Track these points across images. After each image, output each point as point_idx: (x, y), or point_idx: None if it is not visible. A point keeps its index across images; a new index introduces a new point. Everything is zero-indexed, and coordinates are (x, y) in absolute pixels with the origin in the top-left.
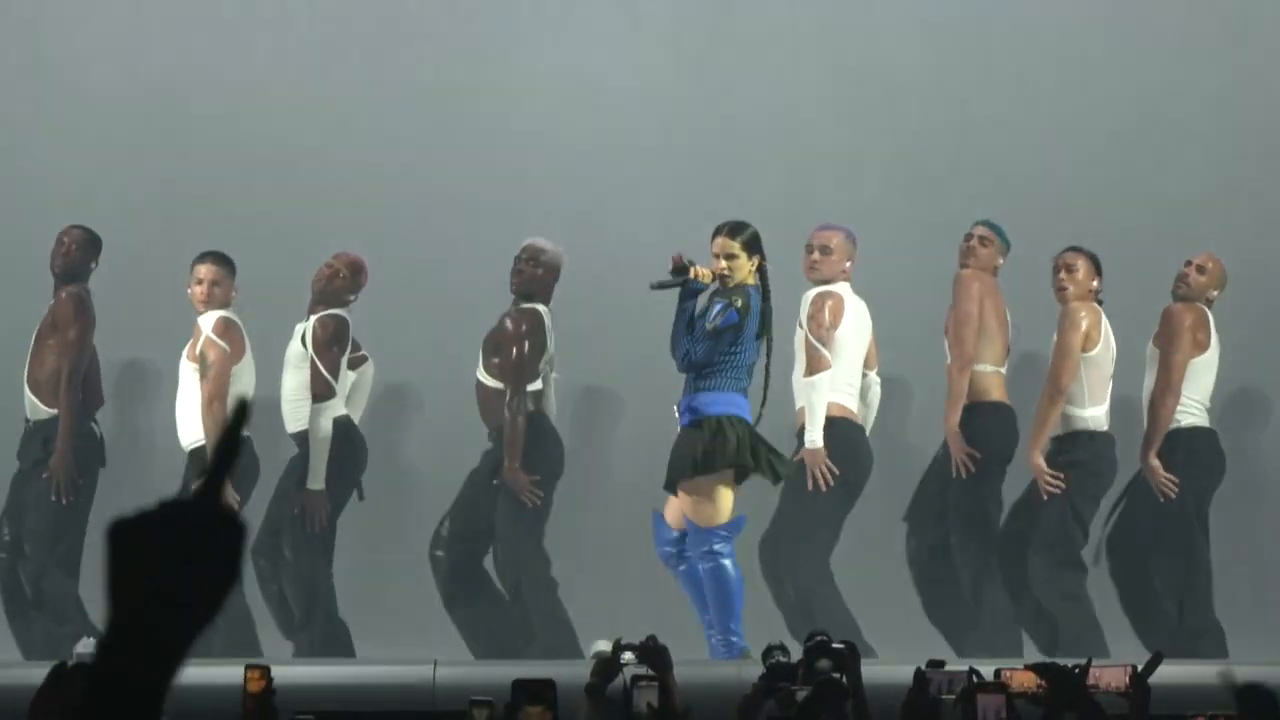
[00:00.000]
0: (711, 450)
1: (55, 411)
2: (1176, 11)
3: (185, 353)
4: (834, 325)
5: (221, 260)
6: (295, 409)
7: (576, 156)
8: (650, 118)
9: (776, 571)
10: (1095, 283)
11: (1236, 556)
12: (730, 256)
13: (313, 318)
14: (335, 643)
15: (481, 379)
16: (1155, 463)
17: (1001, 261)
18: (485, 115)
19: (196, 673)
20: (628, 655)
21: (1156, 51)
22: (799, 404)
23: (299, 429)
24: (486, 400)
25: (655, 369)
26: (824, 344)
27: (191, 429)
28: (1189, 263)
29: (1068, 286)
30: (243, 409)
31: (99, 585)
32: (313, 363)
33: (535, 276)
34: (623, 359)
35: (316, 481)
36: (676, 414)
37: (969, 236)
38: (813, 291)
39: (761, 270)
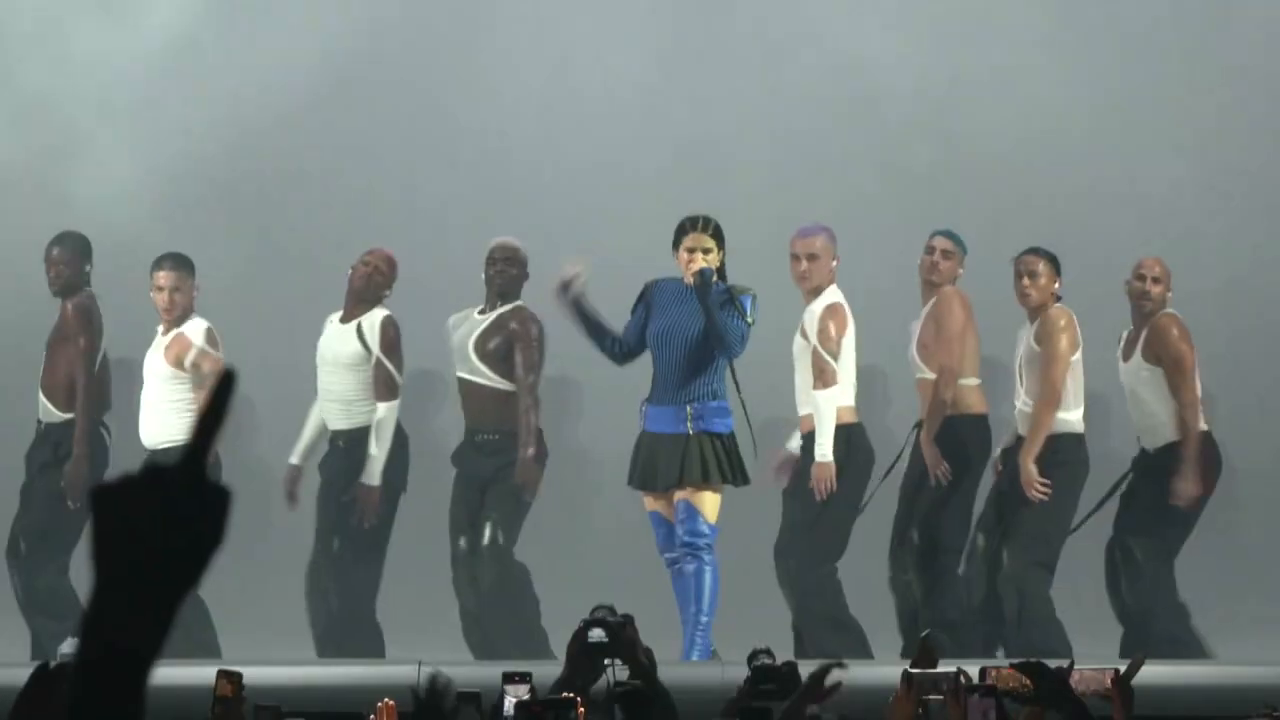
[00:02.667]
0: (732, 465)
1: (69, 415)
2: (1154, 11)
3: (161, 356)
4: (840, 336)
5: (181, 263)
6: (351, 407)
7: (559, 159)
8: (629, 121)
9: (792, 578)
10: (1056, 285)
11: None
12: (706, 250)
13: (377, 317)
14: (370, 646)
15: (483, 381)
16: (1193, 474)
17: (961, 271)
18: (470, 118)
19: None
20: (596, 632)
21: (1133, 51)
22: (803, 412)
23: (348, 427)
24: (489, 402)
25: (626, 369)
26: (834, 357)
27: (160, 430)
28: (1141, 277)
29: (1031, 292)
30: (230, 380)
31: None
32: (381, 364)
33: (513, 277)
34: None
35: (374, 478)
36: (688, 419)
37: (930, 250)
38: (819, 306)
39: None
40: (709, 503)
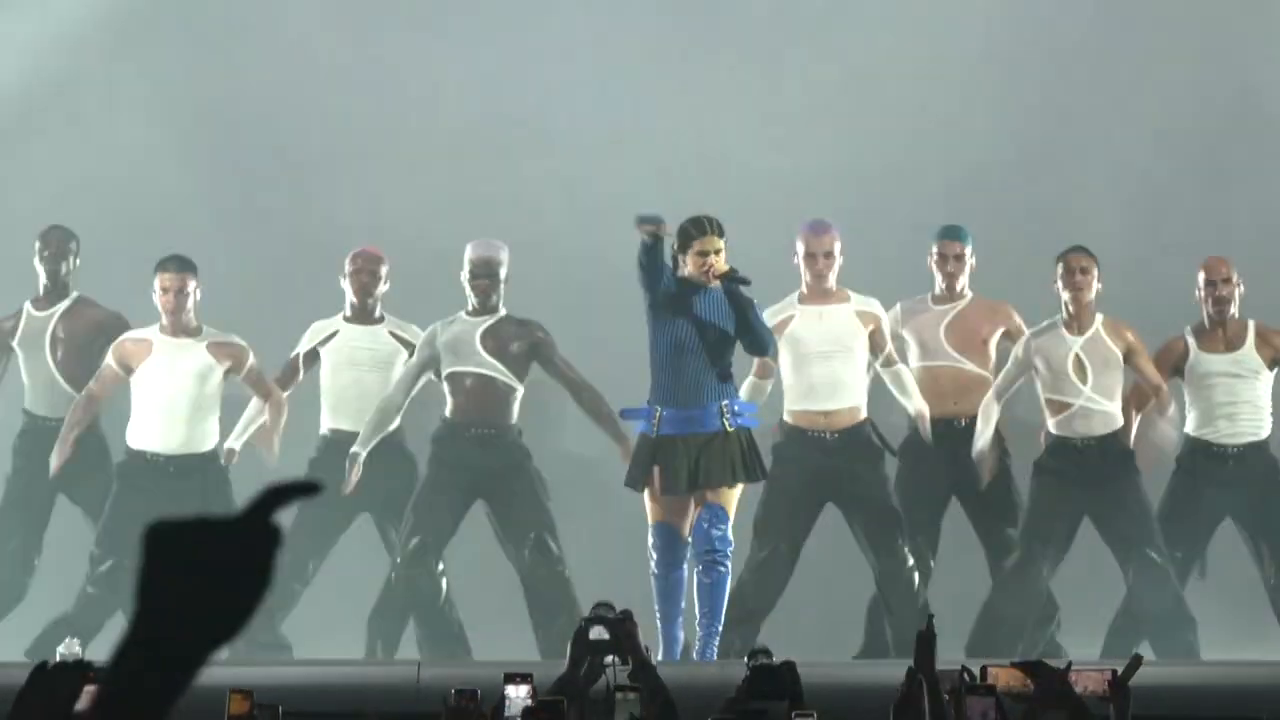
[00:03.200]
0: (759, 460)
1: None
2: (1160, 12)
3: (201, 357)
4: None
5: (184, 265)
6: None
7: (557, 158)
8: (627, 121)
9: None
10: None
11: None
12: (718, 251)
13: (404, 322)
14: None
15: (488, 373)
16: None
17: (972, 262)
18: (465, 119)
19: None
20: (597, 629)
21: (1141, 52)
22: (841, 404)
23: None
24: (489, 396)
25: (624, 370)
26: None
27: (185, 436)
28: (1212, 282)
29: (1085, 289)
30: (315, 488)
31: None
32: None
33: (498, 286)
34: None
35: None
36: (723, 414)
37: (944, 259)
38: (874, 303)
39: None
40: (733, 502)
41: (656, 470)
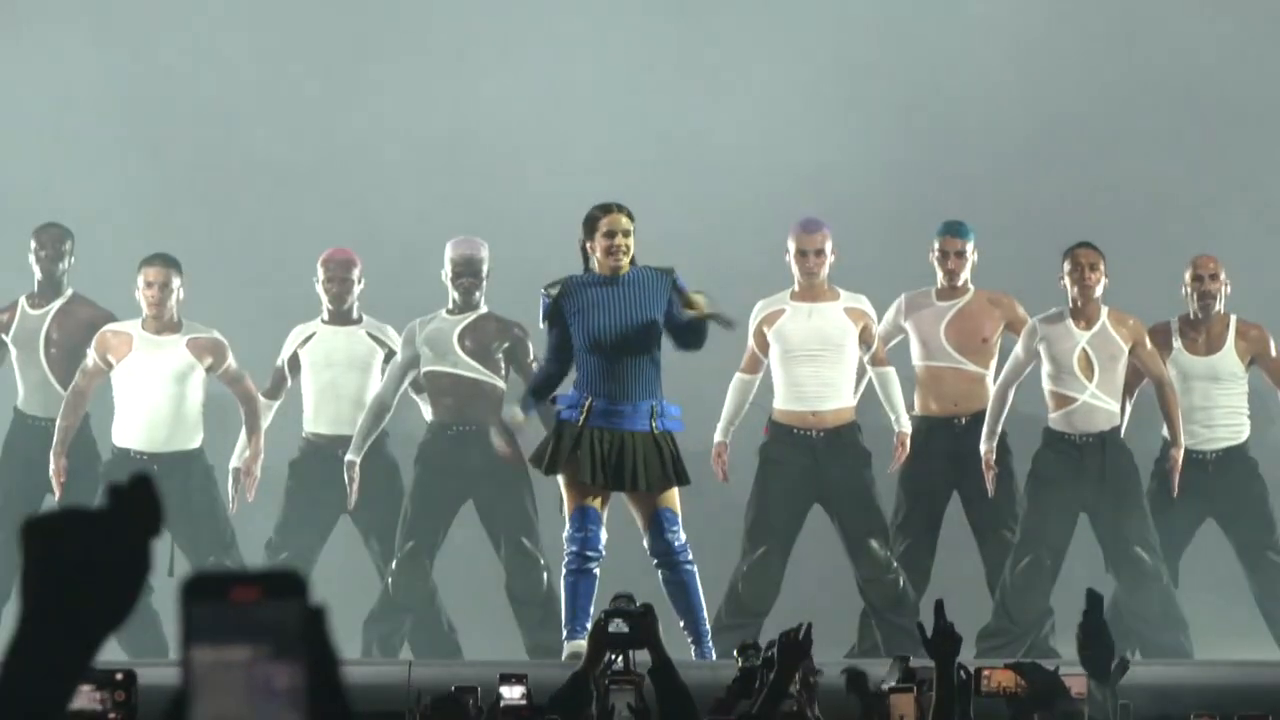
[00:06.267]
0: (681, 465)
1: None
2: (1161, 10)
3: (179, 354)
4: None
5: (170, 262)
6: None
7: (548, 159)
8: (617, 121)
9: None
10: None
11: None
12: (626, 232)
13: (384, 324)
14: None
15: (465, 374)
16: None
17: (974, 258)
18: (456, 118)
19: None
20: (618, 623)
21: (1134, 45)
22: (832, 404)
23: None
24: (468, 395)
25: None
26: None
27: (165, 434)
28: (1200, 277)
29: (1094, 284)
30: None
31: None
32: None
33: (478, 285)
34: None
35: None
36: (652, 416)
37: (945, 255)
38: (864, 301)
39: None
40: (678, 502)
41: (579, 457)
